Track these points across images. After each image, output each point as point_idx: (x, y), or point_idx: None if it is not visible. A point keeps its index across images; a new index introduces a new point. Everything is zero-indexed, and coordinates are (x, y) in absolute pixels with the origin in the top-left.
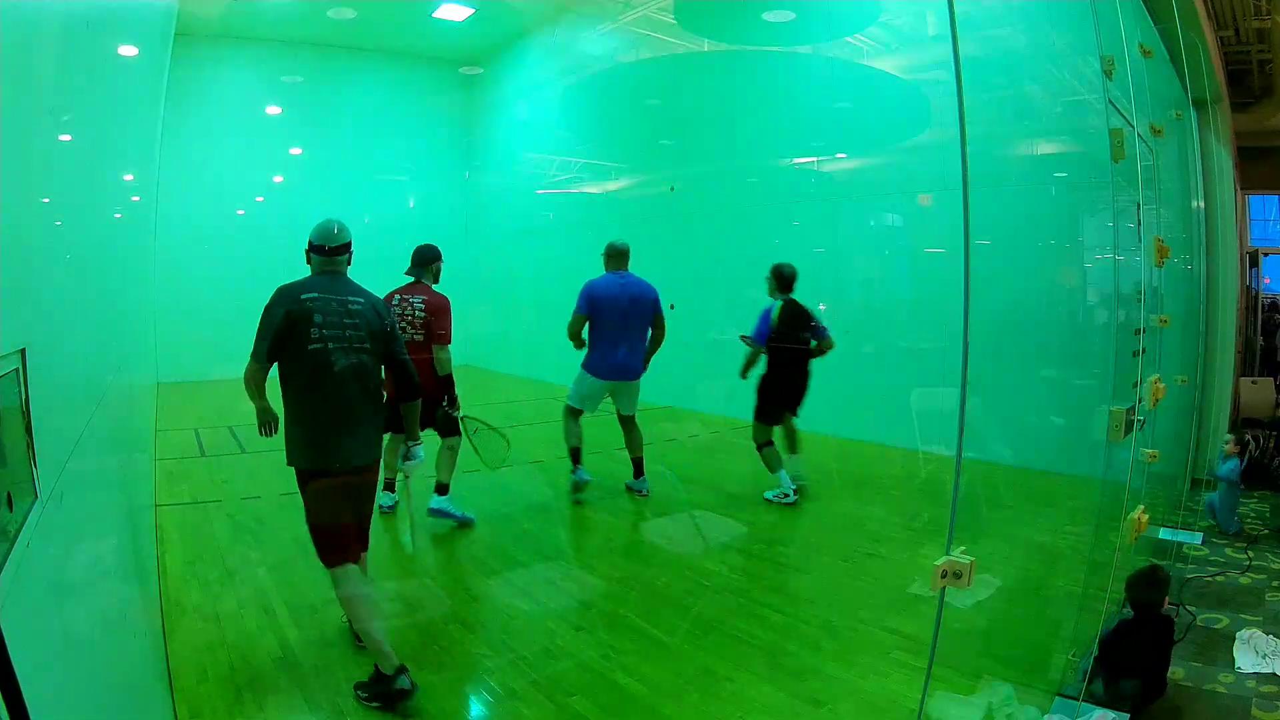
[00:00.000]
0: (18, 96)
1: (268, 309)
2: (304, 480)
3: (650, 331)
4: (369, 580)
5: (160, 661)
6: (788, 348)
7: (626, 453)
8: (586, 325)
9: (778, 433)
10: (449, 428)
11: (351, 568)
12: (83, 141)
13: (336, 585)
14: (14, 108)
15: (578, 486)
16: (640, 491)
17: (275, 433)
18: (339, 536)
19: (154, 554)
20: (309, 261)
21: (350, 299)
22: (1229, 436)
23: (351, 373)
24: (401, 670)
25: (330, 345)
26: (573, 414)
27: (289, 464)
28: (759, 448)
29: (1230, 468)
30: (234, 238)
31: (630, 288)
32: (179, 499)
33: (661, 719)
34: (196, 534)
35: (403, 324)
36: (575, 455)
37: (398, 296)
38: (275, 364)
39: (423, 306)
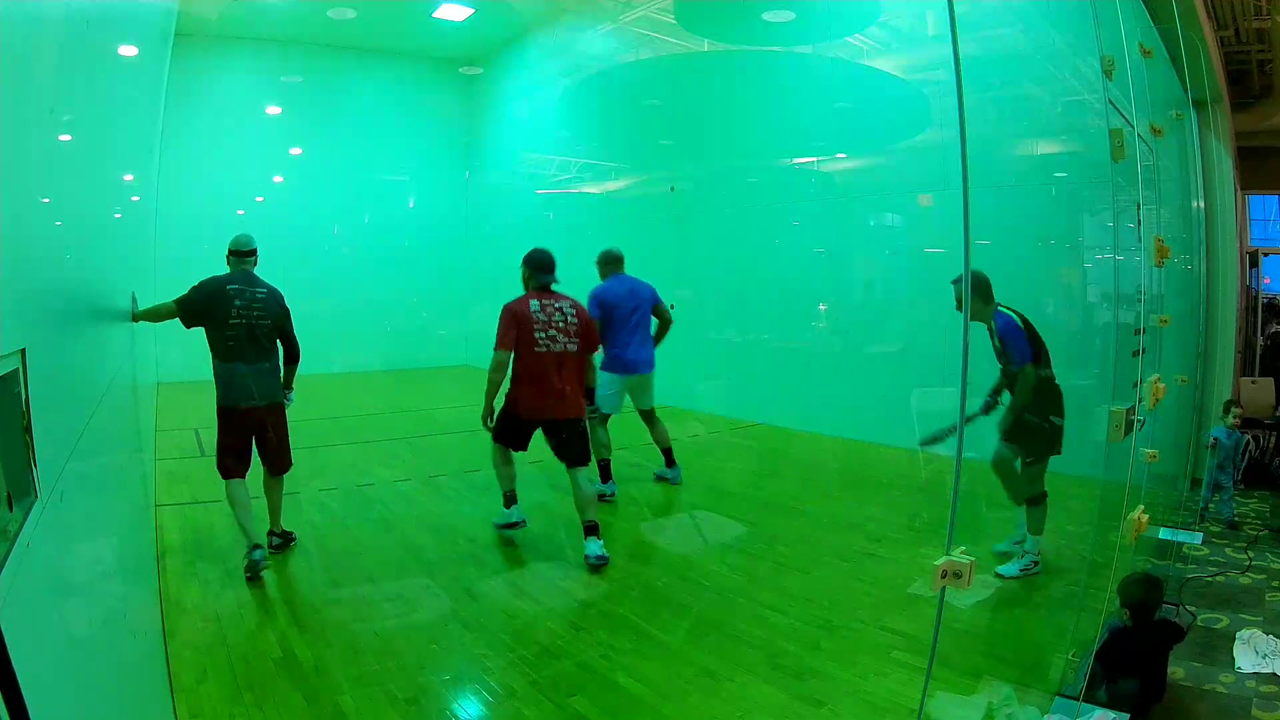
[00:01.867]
0: (18, 96)
1: (199, 287)
2: (222, 413)
3: (657, 322)
4: (277, 488)
5: (160, 661)
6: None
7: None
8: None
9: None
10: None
11: (238, 481)
12: (83, 141)
13: (228, 491)
14: (14, 108)
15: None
16: (673, 481)
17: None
18: (235, 456)
19: (154, 554)
20: (228, 262)
21: (257, 289)
22: (1236, 410)
23: (255, 339)
24: (259, 547)
25: (243, 321)
26: (602, 420)
27: (218, 402)
28: (1030, 503)
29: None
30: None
31: (633, 286)
32: (179, 499)
33: (661, 719)
34: (196, 534)
35: (552, 331)
36: (606, 468)
37: (539, 302)
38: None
39: (574, 312)
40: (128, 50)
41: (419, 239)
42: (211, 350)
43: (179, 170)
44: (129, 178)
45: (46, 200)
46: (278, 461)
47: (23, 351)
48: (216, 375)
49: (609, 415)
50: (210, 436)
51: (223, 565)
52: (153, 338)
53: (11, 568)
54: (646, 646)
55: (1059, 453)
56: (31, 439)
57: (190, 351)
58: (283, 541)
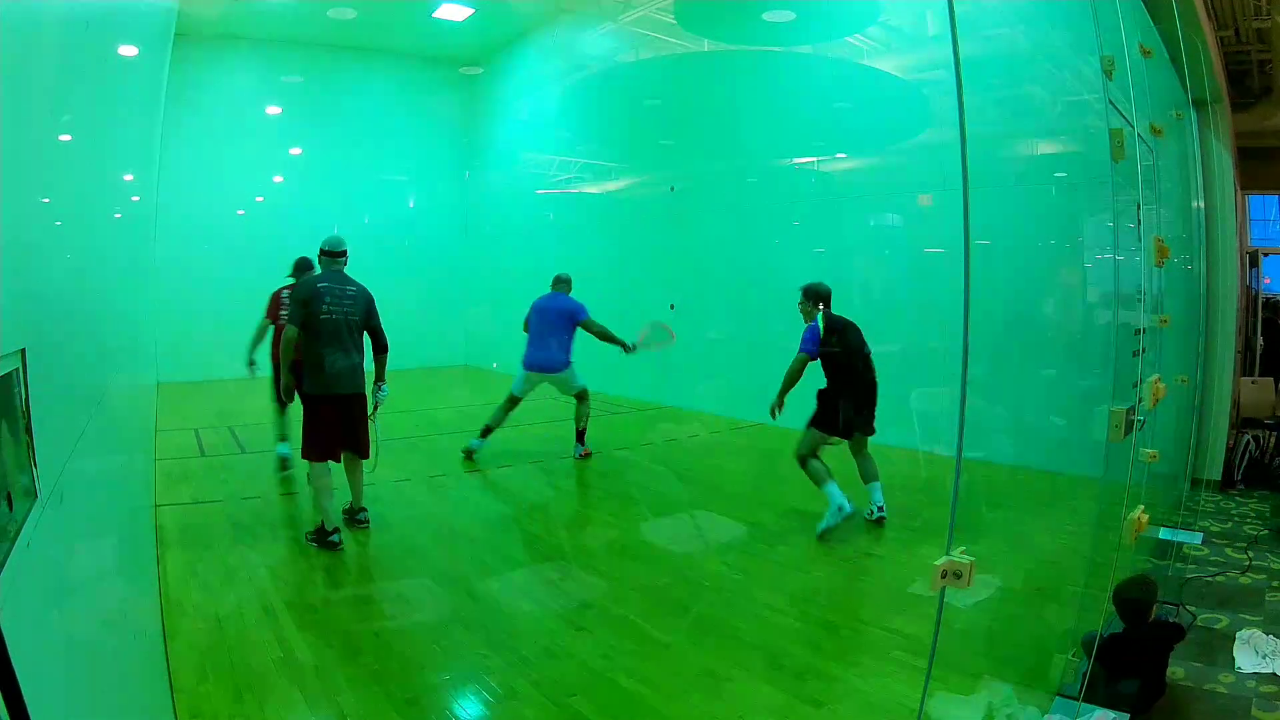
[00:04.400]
0: (18, 96)
1: (295, 293)
2: (312, 401)
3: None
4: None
5: (160, 661)
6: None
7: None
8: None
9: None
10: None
11: (321, 465)
12: (83, 141)
13: (313, 475)
14: (14, 108)
15: (470, 454)
16: (575, 455)
17: (291, 400)
18: (325, 440)
19: (154, 554)
20: (320, 261)
21: (348, 287)
22: None
23: (346, 332)
24: (336, 530)
25: (334, 315)
26: (511, 401)
27: (305, 391)
28: (800, 462)
29: None
30: (234, 238)
31: (556, 302)
32: (179, 499)
33: (661, 719)
34: (196, 534)
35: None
36: (488, 431)
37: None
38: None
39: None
40: (128, 50)
41: (419, 239)
42: (304, 342)
43: (179, 170)
44: (129, 178)
45: (46, 200)
46: (364, 445)
47: (23, 351)
48: (307, 365)
49: (517, 399)
50: (210, 436)
51: (223, 565)
52: (153, 338)
53: (11, 568)
54: (646, 646)
55: (841, 434)
56: (31, 439)
57: (190, 351)
58: (365, 517)
